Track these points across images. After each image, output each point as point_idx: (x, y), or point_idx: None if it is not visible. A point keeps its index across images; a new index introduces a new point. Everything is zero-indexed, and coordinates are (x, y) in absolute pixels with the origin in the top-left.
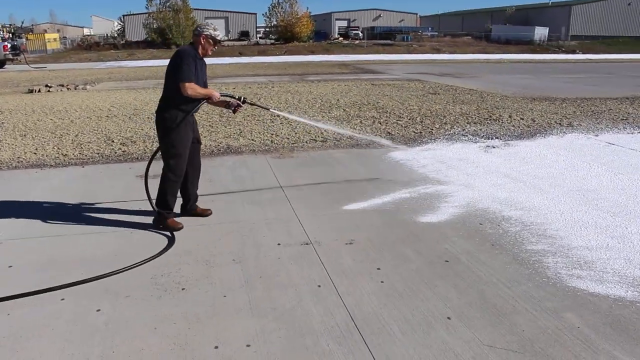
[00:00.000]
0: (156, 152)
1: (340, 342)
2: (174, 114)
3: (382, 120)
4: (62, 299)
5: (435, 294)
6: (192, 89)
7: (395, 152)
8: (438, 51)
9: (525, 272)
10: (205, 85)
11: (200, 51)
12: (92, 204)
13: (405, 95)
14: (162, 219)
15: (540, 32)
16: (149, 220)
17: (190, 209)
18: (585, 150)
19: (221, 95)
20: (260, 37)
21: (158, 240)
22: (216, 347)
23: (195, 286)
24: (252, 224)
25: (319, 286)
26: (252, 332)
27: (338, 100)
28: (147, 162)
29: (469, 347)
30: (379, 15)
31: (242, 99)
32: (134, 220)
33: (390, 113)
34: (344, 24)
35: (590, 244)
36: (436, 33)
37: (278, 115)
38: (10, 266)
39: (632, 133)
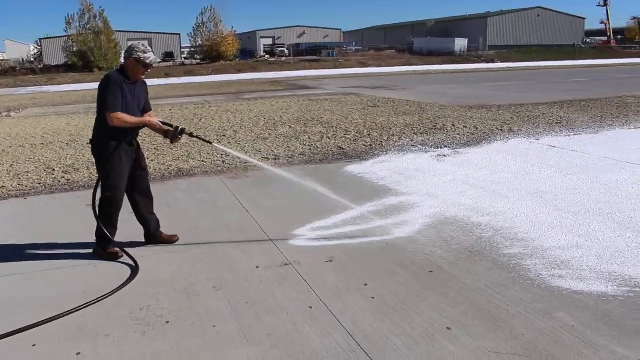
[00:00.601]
0: (98, 180)
1: None
2: (106, 144)
3: (330, 135)
4: (34, 345)
5: (428, 306)
6: (117, 119)
7: (350, 166)
8: (364, 65)
9: (509, 277)
10: (143, 109)
11: (130, 75)
12: (44, 238)
13: (347, 110)
14: (100, 250)
15: (460, 43)
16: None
17: (154, 236)
18: (531, 154)
19: (161, 124)
20: (184, 58)
21: (124, 271)
22: None
23: (179, 318)
24: (223, 247)
25: (311, 307)
26: None
27: (281, 117)
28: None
29: (476, 356)
30: (304, 32)
31: (179, 129)
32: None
33: (336, 127)
34: (269, 41)
35: (561, 244)
36: (360, 47)
37: (224, 152)
38: None
39: (569, 135)
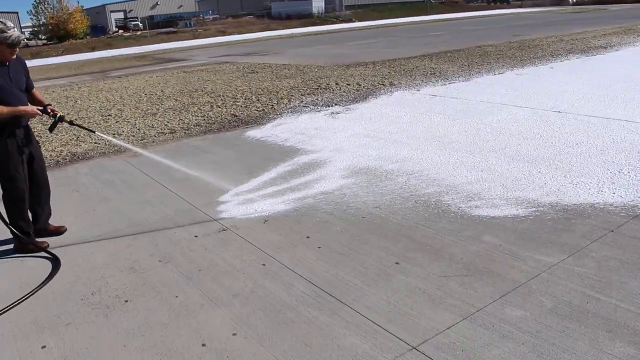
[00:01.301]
0: None
1: (319, 308)
2: None
3: (219, 104)
4: None
5: (372, 247)
6: None
7: (250, 131)
8: (224, 33)
9: (433, 212)
10: (23, 91)
11: None
12: None
13: (226, 78)
14: (22, 245)
15: (318, 5)
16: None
17: (40, 229)
18: (417, 104)
19: (40, 111)
20: (27, 39)
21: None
22: (204, 345)
23: (137, 295)
24: (154, 224)
25: (264, 265)
26: (229, 321)
27: (162, 91)
28: None
29: (430, 282)
30: (157, 3)
31: (57, 117)
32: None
33: (223, 96)
34: (121, 15)
35: (469, 180)
36: (217, 15)
37: (107, 140)
38: None
39: (444, 85)
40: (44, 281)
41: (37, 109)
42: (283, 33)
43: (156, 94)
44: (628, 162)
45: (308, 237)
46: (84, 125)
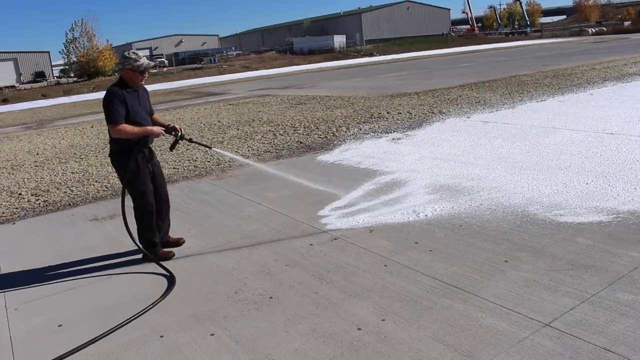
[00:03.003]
0: (123, 191)
1: (451, 297)
2: (124, 155)
3: (281, 132)
4: (161, 336)
5: (478, 249)
6: (120, 130)
7: (320, 156)
8: (248, 68)
9: (524, 220)
10: (149, 114)
11: (130, 84)
12: (57, 259)
13: (277, 109)
14: (151, 256)
15: (339, 40)
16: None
17: (161, 241)
18: (471, 130)
19: (164, 132)
20: (57, 77)
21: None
22: (359, 329)
23: (279, 293)
24: (265, 235)
25: (386, 265)
26: (373, 310)
27: (219, 122)
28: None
29: (541, 275)
30: (181, 41)
31: (179, 135)
32: (123, 264)
33: (281, 125)
34: (146, 52)
35: (546, 193)
36: (240, 52)
37: (224, 155)
38: (59, 325)
39: (492, 112)
40: (161, 296)
41: (161, 129)
42: (310, 67)
43: (215, 124)
44: None
45: (416, 242)
46: (203, 142)
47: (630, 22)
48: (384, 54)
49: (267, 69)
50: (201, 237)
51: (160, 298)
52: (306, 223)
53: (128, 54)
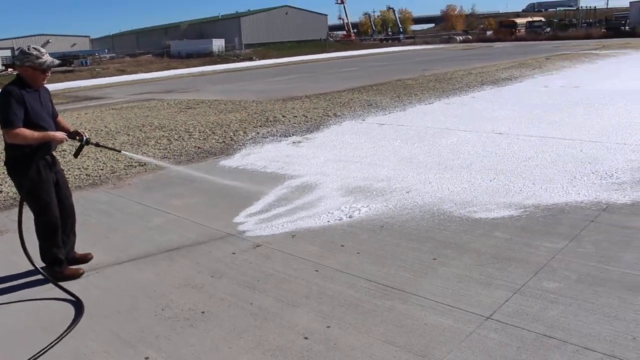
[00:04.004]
0: (21, 203)
1: (390, 298)
2: (21, 162)
3: (176, 137)
4: None
5: (405, 248)
6: (17, 135)
7: (222, 161)
8: (123, 72)
9: (441, 218)
10: (52, 116)
11: (30, 84)
12: None
13: (166, 113)
14: (56, 273)
15: (218, 44)
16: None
17: (66, 258)
18: (370, 132)
19: (67, 137)
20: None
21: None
22: (306, 338)
23: (210, 306)
24: (181, 245)
25: (317, 270)
26: (316, 317)
27: (105, 127)
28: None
29: (470, 270)
30: (48, 41)
31: (85, 140)
32: (22, 287)
33: (175, 130)
34: (7, 53)
35: (456, 191)
36: (114, 55)
37: (131, 158)
38: None
39: (386, 114)
40: (68, 327)
41: (64, 134)
42: (190, 71)
43: (102, 130)
44: (577, 170)
45: (342, 245)
46: (110, 146)
47: (492, 31)
48: (264, 59)
49: (144, 72)
50: (110, 251)
51: (67, 329)
52: (223, 231)
53: (29, 49)
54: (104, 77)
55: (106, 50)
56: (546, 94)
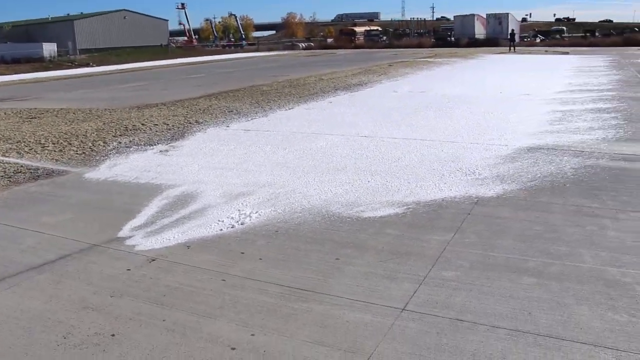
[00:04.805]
0: None
1: (305, 300)
2: None
3: (27, 150)
4: None
5: (306, 251)
6: None
7: (87, 174)
8: None
9: (332, 220)
10: None
11: None
12: None
13: (7, 124)
14: None
15: (50, 48)
16: None
17: None
18: (237, 138)
19: None
20: None
21: None
22: (233, 349)
23: (120, 327)
24: (66, 265)
25: (224, 280)
26: (237, 327)
27: None
28: None
29: (373, 267)
30: None
31: None
32: None
33: (23, 142)
34: None
35: (338, 192)
36: None
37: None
38: None
39: (249, 120)
40: None
41: None
42: (21, 78)
43: None
44: (443, 168)
45: (242, 252)
46: None
47: (333, 39)
48: (103, 64)
49: None
50: None
51: None
52: (110, 247)
53: None
54: None
55: None
56: (397, 98)
